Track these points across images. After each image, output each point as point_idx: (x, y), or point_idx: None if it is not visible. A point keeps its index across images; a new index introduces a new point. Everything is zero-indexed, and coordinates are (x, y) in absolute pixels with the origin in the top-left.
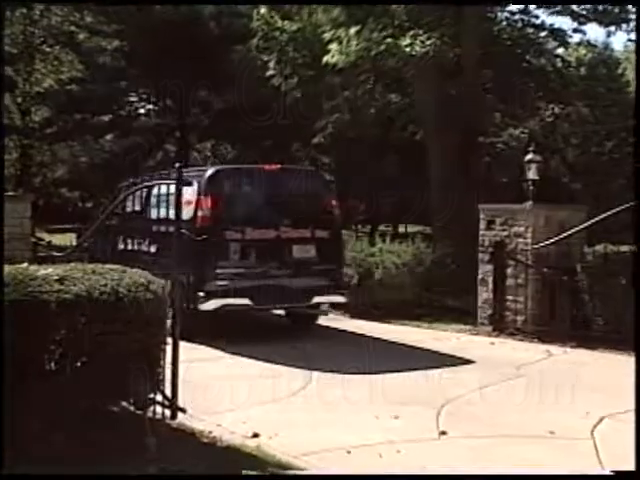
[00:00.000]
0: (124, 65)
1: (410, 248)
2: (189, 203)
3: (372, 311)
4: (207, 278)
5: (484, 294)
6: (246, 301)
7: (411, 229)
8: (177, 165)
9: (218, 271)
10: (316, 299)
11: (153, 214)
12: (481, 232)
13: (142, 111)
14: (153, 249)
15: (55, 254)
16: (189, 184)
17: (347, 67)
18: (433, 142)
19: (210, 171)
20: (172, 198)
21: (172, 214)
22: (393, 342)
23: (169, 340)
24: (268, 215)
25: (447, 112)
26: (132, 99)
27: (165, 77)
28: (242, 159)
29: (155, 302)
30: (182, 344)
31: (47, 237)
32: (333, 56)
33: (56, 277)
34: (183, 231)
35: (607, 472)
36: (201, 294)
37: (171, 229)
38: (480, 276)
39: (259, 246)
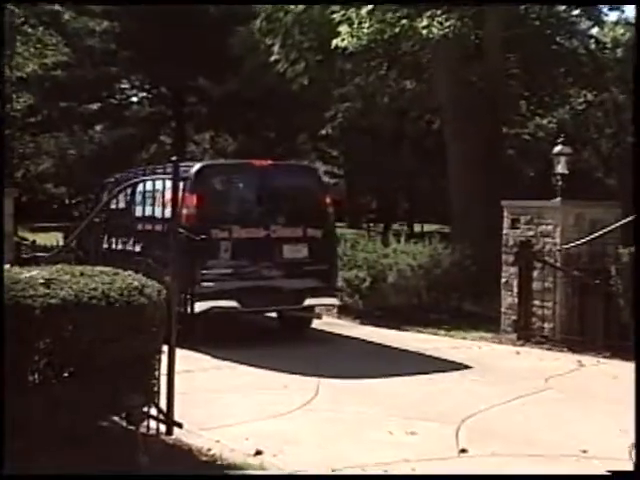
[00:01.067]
0: (114, 48)
1: (426, 249)
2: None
3: (385, 317)
4: (192, 279)
5: (508, 299)
6: (233, 303)
7: (427, 228)
8: (173, 159)
9: (204, 272)
10: (308, 301)
11: (138, 212)
12: (505, 231)
13: (135, 99)
14: (137, 249)
15: (40, 255)
16: (184, 180)
17: (358, 51)
18: (452, 133)
19: (196, 167)
20: (157, 195)
21: (157, 212)
22: (407, 351)
23: (164, 348)
24: (257, 213)
25: (467, 100)
26: (124, 86)
27: (160, 62)
28: (244, 152)
29: (150, 307)
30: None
31: (31, 236)
32: (343, 39)
33: (41, 280)
34: (181, 231)
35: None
36: (188, 296)
37: (157, 228)
38: (504, 279)
39: (248, 246)
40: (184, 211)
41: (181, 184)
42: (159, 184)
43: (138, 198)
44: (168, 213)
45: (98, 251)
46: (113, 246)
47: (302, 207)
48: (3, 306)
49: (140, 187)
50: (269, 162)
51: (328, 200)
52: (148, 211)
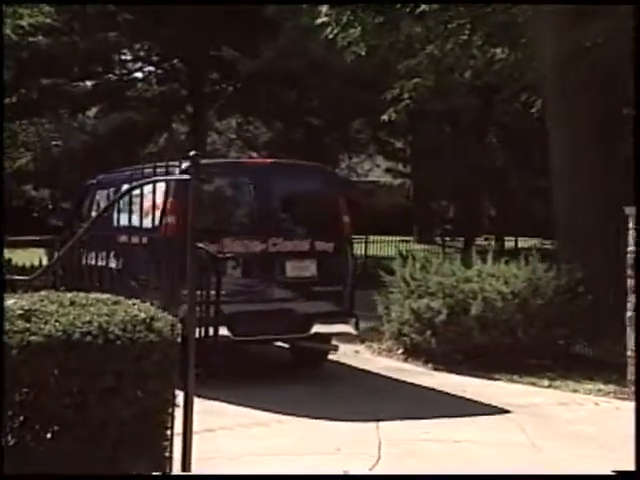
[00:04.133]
0: (113, 9)
1: (522, 271)
2: (156, 207)
3: (466, 361)
4: (174, 301)
5: (634, 338)
6: (223, 331)
7: (523, 243)
8: (191, 155)
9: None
10: (316, 328)
11: (122, 221)
12: (629, 248)
13: (139, 75)
14: (116, 266)
15: (17, 278)
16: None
17: (432, 10)
18: (557, 117)
19: (182, 166)
20: (142, 200)
21: (135, 221)
22: (494, 407)
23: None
24: (254, 223)
25: (578, 72)
26: (125, 57)
27: (172, 26)
28: (280, 143)
29: (160, 346)
30: None
31: (6, 253)
32: None
33: (20, 311)
34: (201, 246)
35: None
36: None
37: (135, 240)
38: (629, 312)
39: (242, 262)
40: (166, 220)
41: (164, 187)
42: (147, 187)
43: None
44: (147, 223)
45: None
46: (93, 262)
47: (310, 215)
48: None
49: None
50: (270, 161)
51: (343, 208)
52: (127, 220)
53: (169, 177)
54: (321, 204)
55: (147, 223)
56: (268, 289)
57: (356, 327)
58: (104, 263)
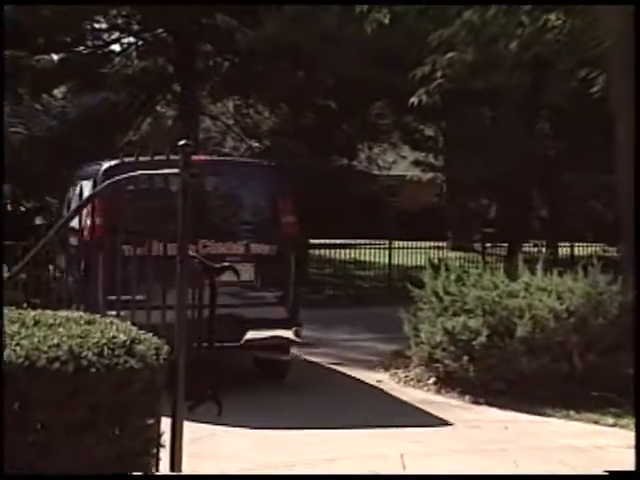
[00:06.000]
0: None
1: (580, 283)
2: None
3: (511, 392)
4: (95, 307)
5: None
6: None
7: (582, 250)
8: (181, 144)
9: (111, 298)
10: (250, 335)
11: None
12: None
13: (116, 47)
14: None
15: None
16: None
17: None
18: (623, 97)
19: (106, 165)
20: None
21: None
22: (545, 450)
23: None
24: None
25: None
26: (99, 26)
27: None
28: (285, 130)
29: (143, 373)
30: None
31: None
32: None
33: None
34: (194, 255)
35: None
36: None
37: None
38: None
39: (169, 266)
40: (89, 221)
41: (90, 186)
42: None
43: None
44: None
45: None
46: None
47: (247, 216)
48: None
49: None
50: (203, 158)
51: (286, 208)
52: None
53: (168, 171)
54: (260, 204)
55: (75, 224)
56: (196, 294)
57: (297, 335)
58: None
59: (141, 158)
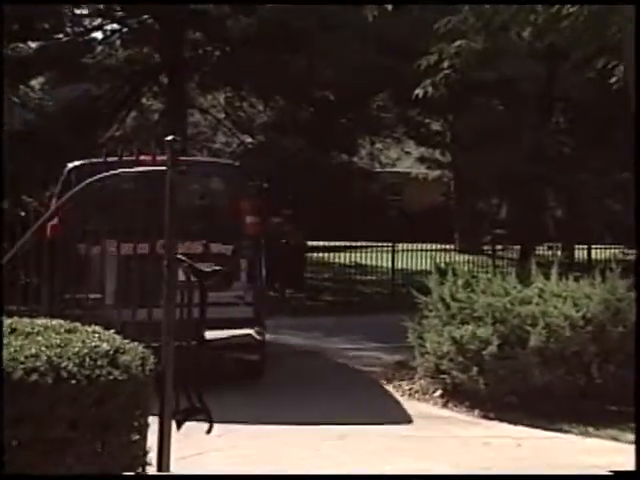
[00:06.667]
0: None
1: (598, 289)
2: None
3: (524, 406)
4: (51, 306)
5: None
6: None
7: (600, 253)
8: (169, 139)
9: (66, 297)
10: (209, 335)
11: None
12: None
13: (99, 35)
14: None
15: None
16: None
17: None
18: None
19: (70, 165)
20: None
21: None
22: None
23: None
24: (141, 224)
25: None
26: (80, 11)
27: None
28: (282, 124)
29: (128, 386)
30: None
31: None
32: None
33: None
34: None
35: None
36: None
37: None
38: None
39: (127, 265)
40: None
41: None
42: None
43: None
44: None
45: None
46: None
47: (205, 216)
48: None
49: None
50: (161, 158)
51: (248, 207)
52: None
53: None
54: (220, 204)
55: None
56: (154, 294)
57: (259, 335)
58: None
59: (109, 159)
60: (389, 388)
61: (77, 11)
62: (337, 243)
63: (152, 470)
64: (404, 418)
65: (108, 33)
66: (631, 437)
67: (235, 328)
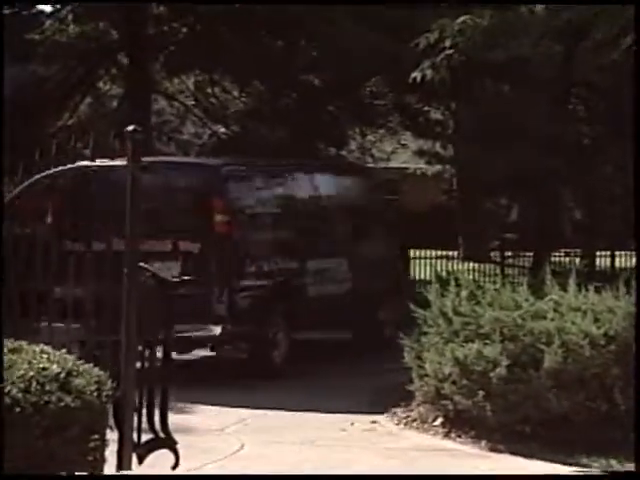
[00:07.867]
0: None
1: (622, 303)
2: None
3: (537, 436)
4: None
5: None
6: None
7: (624, 261)
8: (130, 129)
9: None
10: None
11: None
12: None
13: (47, 8)
14: None
15: None
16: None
17: None
18: None
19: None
20: None
21: None
22: None
23: None
24: (104, 222)
25: None
26: None
27: None
28: (260, 112)
29: (81, 414)
30: None
31: None
32: None
33: None
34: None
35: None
36: None
37: None
38: None
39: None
40: None
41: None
42: None
43: None
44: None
45: None
46: None
47: (172, 214)
48: None
49: None
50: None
51: (217, 206)
52: None
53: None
54: (189, 203)
55: None
56: (118, 292)
57: (224, 332)
58: None
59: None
60: (382, 416)
61: None
62: None
63: None
64: None
65: (58, 6)
66: None
67: (192, 324)
